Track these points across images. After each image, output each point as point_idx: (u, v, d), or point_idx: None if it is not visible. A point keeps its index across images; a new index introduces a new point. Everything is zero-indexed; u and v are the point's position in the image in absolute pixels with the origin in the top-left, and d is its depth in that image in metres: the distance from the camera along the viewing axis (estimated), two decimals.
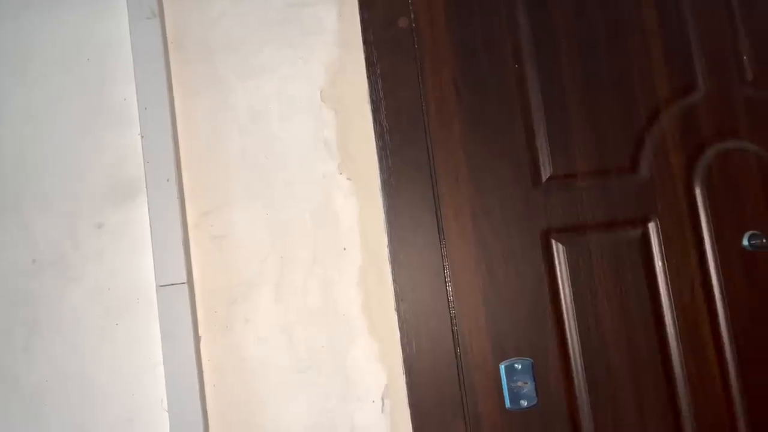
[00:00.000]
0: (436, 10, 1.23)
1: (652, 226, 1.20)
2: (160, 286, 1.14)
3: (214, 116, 1.21)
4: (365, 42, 1.22)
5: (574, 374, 1.17)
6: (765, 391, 1.17)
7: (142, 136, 1.17)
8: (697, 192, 1.21)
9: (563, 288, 1.20)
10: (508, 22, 1.24)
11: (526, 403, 1.15)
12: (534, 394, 1.15)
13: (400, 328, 1.17)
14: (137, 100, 1.18)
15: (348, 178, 1.20)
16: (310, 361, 1.17)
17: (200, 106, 1.21)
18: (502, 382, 1.16)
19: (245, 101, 1.21)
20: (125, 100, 1.19)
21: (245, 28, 1.23)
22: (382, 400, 1.15)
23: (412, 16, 1.23)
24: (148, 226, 1.16)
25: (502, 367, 1.16)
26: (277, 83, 1.22)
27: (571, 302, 1.19)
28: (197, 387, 1.12)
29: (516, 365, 1.16)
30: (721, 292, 1.19)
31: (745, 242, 1.20)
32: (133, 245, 1.16)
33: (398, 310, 1.18)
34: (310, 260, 1.19)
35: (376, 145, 1.20)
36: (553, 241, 1.21)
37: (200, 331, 1.17)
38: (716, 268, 1.20)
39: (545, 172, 1.22)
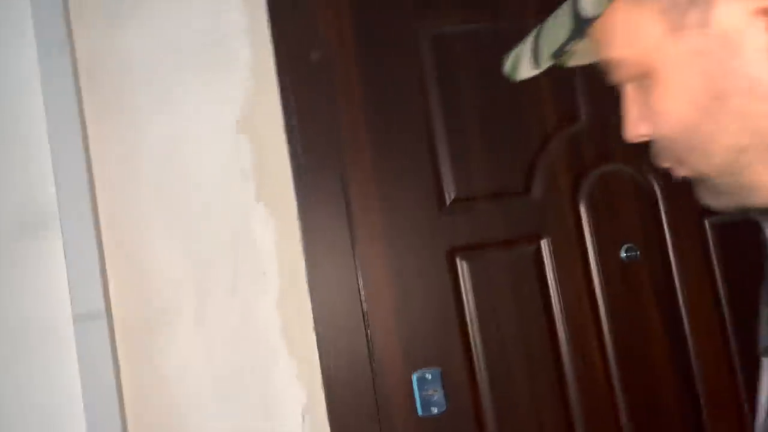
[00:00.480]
0: (346, 43, 1.28)
1: (544, 243, 1.32)
2: (77, 316, 1.13)
3: (129, 145, 1.20)
4: (279, 73, 1.25)
5: (479, 380, 1.26)
6: (641, 382, 1.32)
7: (54, 166, 1.14)
8: (582, 210, 1.34)
9: (467, 301, 1.28)
10: (413, 57, 1.31)
11: (436, 410, 1.23)
12: (443, 401, 1.23)
13: (319, 348, 1.22)
14: (47, 131, 1.15)
15: (266, 205, 1.23)
16: (231, 384, 1.19)
17: (114, 135, 1.20)
18: (414, 392, 1.23)
19: (160, 130, 1.21)
20: (36, 132, 1.15)
21: (159, 58, 1.22)
22: (303, 416, 1.20)
23: (324, 48, 1.27)
24: (63, 255, 1.13)
25: (414, 377, 1.23)
26: (192, 113, 1.22)
27: (474, 314, 1.28)
28: (118, 416, 1.12)
29: (427, 375, 1.24)
30: (603, 299, 1.32)
31: (623, 254, 1.34)
32: (48, 276, 1.13)
33: (317, 329, 1.22)
34: (229, 286, 1.21)
35: (292, 172, 1.24)
36: (458, 259, 1.29)
37: (120, 360, 1.16)
38: (599, 277, 1.33)
39: (449, 196, 1.30)
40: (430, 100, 1.31)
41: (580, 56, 0.52)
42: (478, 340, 1.28)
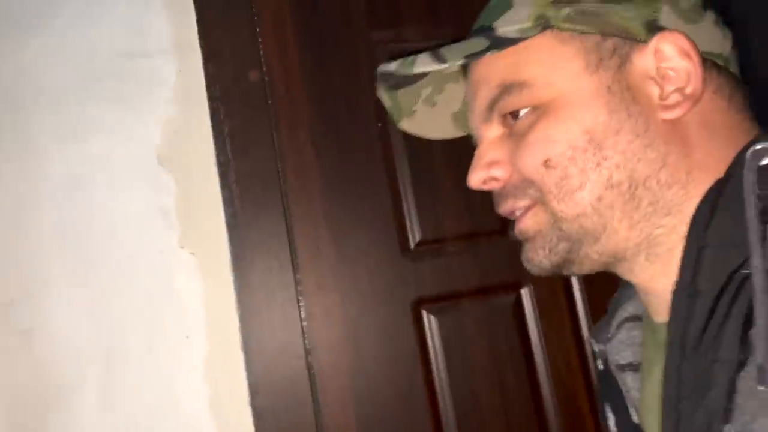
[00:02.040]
0: (290, 62, 1.04)
1: (524, 292, 1.07)
2: None
3: (24, 185, 0.94)
4: (210, 97, 1.00)
5: None
6: None
7: None
8: None
9: (437, 363, 1.03)
10: (369, 78, 1.06)
11: None
12: None
13: (256, 426, 0.94)
14: None
15: (191, 253, 0.97)
16: None
17: (6, 173, 0.94)
18: None
19: (63, 167, 0.95)
20: None
21: (64, 81, 0.97)
22: None
23: (264, 68, 1.03)
24: None
25: None
26: (103, 145, 0.97)
27: (445, 378, 1.02)
28: None
29: None
30: None
31: None
32: None
33: (253, 404, 0.95)
34: (144, 352, 0.93)
35: (225, 213, 0.98)
36: (425, 312, 1.04)
37: None
38: (590, 330, 1.08)
39: (414, 238, 1.05)
40: (389, 128, 1.06)
41: (416, 124, 0.57)
42: (450, 409, 1.01)
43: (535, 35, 0.46)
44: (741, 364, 0.37)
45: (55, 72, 0.97)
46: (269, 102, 1.03)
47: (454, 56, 0.47)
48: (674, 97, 0.44)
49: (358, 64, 1.07)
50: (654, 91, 0.45)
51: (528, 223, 0.48)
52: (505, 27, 0.47)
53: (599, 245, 0.46)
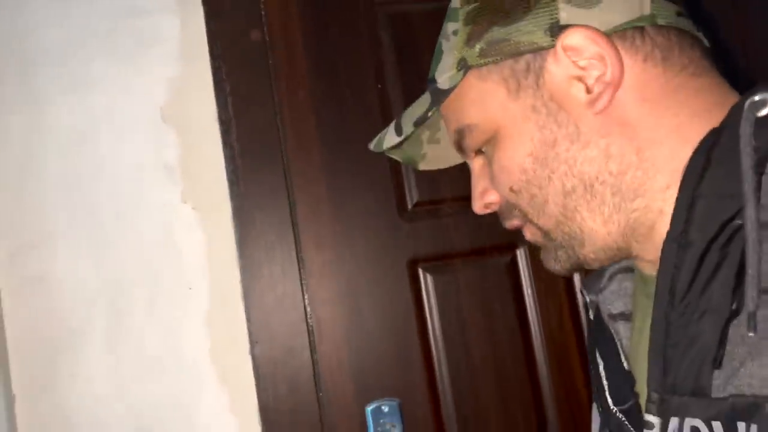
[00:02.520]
0: (291, 23, 1.05)
1: (520, 253, 1.08)
2: None
3: (31, 137, 0.97)
4: (212, 55, 1.02)
5: (444, 413, 1.02)
6: None
7: None
8: None
9: (431, 320, 1.05)
10: (369, 40, 1.07)
11: None
12: None
13: (256, 374, 0.97)
14: None
15: (193, 208, 0.99)
16: (151, 418, 0.94)
17: (14, 125, 0.96)
18: (369, 427, 0.98)
19: (69, 120, 0.97)
20: None
21: (70, 37, 0.99)
22: None
23: (266, 28, 1.04)
24: None
25: (368, 410, 0.99)
26: (108, 100, 0.99)
27: (439, 335, 1.04)
28: None
29: (383, 407, 0.99)
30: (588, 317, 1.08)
31: None
32: None
33: (253, 353, 0.98)
34: (148, 302, 0.96)
35: (226, 169, 1.00)
36: (421, 271, 1.06)
37: (14, 390, 0.91)
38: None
39: (411, 199, 1.07)
40: (389, 89, 1.07)
41: (432, 162, 0.60)
42: (443, 365, 1.04)
43: (462, 79, 0.48)
44: (734, 314, 0.37)
45: (59, 28, 0.98)
46: (270, 62, 1.04)
47: (407, 126, 0.51)
48: (598, 87, 0.44)
49: (359, 24, 1.08)
50: (579, 89, 0.45)
51: (529, 238, 0.51)
52: (440, 78, 0.49)
53: (588, 246, 0.47)
